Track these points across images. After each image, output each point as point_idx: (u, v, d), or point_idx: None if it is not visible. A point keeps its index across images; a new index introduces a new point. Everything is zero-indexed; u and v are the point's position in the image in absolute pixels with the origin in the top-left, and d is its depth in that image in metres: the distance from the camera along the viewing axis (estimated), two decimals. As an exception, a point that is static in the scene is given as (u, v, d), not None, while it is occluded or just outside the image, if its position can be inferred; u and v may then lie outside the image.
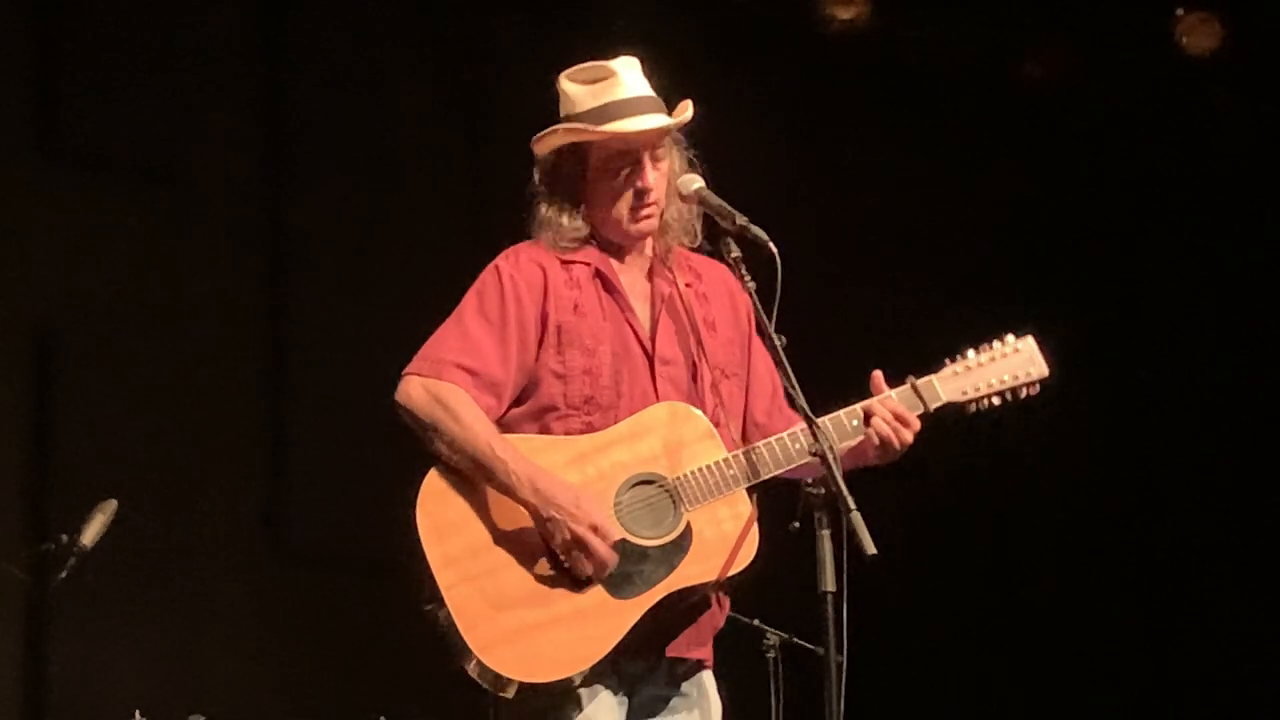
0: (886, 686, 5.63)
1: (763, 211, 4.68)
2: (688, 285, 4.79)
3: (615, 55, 4.78)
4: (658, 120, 4.67)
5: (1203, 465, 8.89)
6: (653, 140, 4.70)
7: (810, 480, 4.41)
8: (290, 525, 7.68)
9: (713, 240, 4.77)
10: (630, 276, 4.76)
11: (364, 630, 7.49)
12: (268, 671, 7.38)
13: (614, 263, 4.75)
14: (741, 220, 4.61)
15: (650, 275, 4.77)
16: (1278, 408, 8.68)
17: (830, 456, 4.34)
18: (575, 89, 4.74)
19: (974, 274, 8.62)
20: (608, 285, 4.71)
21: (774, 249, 4.52)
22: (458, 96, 8.06)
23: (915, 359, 4.78)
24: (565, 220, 4.71)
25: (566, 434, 4.58)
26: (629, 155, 4.68)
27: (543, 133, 4.74)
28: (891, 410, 4.62)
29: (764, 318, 4.52)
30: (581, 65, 4.77)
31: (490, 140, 7.89)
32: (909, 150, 8.71)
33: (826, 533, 4.29)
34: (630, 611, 4.47)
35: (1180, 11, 8.66)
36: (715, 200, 4.68)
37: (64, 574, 5.45)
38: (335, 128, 7.86)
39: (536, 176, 4.77)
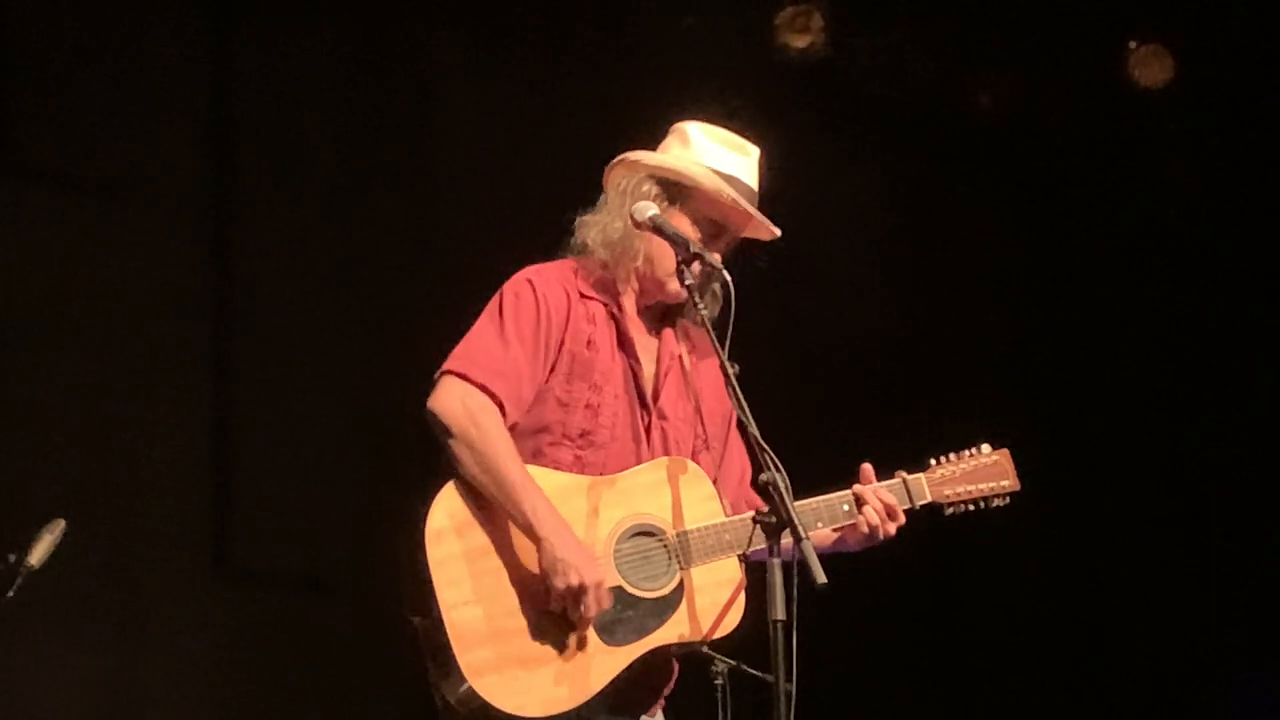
0: (835, 715, 5.60)
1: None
2: (689, 351, 4.84)
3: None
4: (773, 227, 4.78)
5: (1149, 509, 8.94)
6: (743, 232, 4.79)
7: (761, 509, 4.42)
8: (235, 544, 7.63)
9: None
10: (638, 330, 4.79)
11: (308, 649, 7.45)
12: (211, 692, 7.33)
13: (626, 313, 4.77)
14: (696, 248, 4.64)
15: (659, 334, 4.81)
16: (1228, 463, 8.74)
17: (781, 484, 4.34)
18: (710, 143, 4.78)
19: (913, 310, 8.67)
20: (620, 330, 4.74)
21: (728, 276, 4.58)
22: (404, 111, 8.03)
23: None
24: (639, 245, 4.72)
25: (555, 461, 4.60)
26: (720, 231, 4.76)
27: (675, 161, 4.76)
28: (884, 501, 4.72)
29: (718, 345, 4.54)
30: (719, 127, 4.82)
31: (437, 154, 7.88)
32: (861, 178, 8.71)
33: (777, 561, 4.30)
34: (619, 658, 4.50)
35: (1133, 44, 8.69)
36: (670, 228, 4.69)
37: (11, 593, 5.43)
38: (282, 142, 7.82)
39: (623, 194, 4.77)
